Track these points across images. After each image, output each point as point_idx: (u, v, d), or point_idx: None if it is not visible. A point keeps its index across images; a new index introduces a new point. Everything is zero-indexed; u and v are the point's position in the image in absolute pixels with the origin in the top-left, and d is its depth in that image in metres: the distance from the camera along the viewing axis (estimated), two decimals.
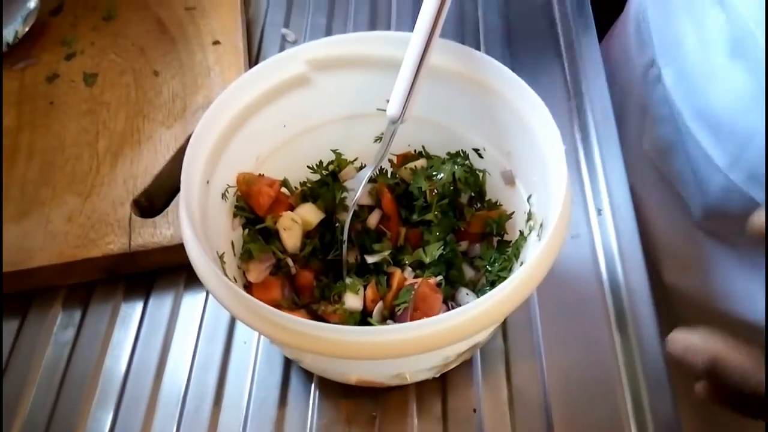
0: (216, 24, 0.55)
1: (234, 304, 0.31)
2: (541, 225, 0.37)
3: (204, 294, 0.46)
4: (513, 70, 0.38)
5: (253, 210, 0.41)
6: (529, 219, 0.40)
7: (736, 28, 0.46)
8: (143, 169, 0.46)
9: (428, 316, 0.35)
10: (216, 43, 0.53)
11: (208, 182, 0.37)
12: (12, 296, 0.45)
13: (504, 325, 0.43)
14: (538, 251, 0.31)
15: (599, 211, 0.47)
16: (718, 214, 0.50)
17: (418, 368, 0.35)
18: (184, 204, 0.34)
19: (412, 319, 0.36)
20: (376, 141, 0.44)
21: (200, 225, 0.35)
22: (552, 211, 0.33)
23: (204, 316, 0.44)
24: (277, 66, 0.40)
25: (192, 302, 0.45)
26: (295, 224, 0.41)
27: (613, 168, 0.49)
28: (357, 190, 0.41)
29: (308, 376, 0.41)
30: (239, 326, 0.44)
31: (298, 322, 0.30)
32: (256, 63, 0.50)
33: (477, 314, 0.30)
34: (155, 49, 0.53)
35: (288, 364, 0.42)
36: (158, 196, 0.46)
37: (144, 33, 0.54)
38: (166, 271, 0.46)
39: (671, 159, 0.51)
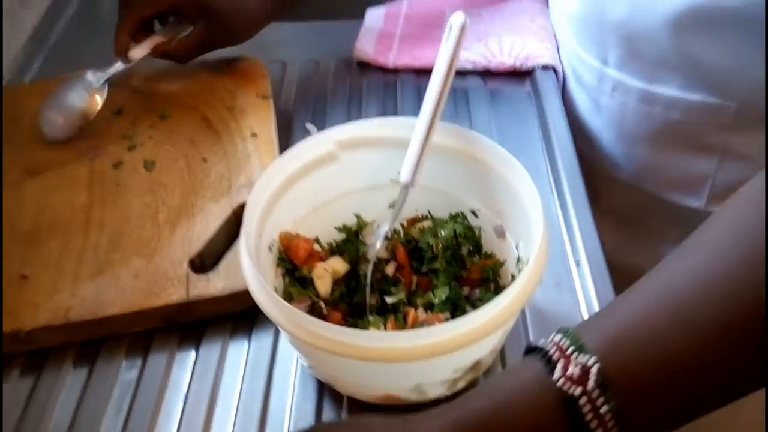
0: (253, 120, 0.66)
1: (279, 315, 0.40)
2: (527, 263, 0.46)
3: (247, 340, 0.53)
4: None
5: (292, 261, 0.50)
6: (518, 262, 0.49)
7: None
8: (197, 235, 0.56)
9: None
10: (254, 135, 0.64)
11: (260, 235, 0.47)
12: (83, 344, 0.53)
13: (503, 359, 0.51)
14: (528, 267, 0.40)
15: (578, 263, 0.56)
16: None
17: (434, 379, 0.43)
18: (245, 245, 0.43)
19: None
20: (389, 207, 0.53)
21: (255, 264, 0.44)
22: (534, 243, 0.42)
23: (248, 358, 0.52)
24: (311, 146, 0.51)
25: (238, 347, 0.53)
26: (327, 273, 0.50)
27: (586, 227, 0.58)
28: (376, 245, 0.51)
29: (338, 402, 0.49)
30: (278, 363, 0.51)
31: (334, 329, 0.38)
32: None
33: (486, 318, 0.38)
34: (203, 141, 0.64)
35: (320, 393, 0.49)
36: (209, 257, 0.55)
37: (193, 128, 0.66)
38: (215, 321, 0.54)
39: None
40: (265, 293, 0.41)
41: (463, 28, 0.48)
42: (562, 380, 0.32)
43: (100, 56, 0.78)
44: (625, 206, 0.76)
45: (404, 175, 0.49)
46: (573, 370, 0.32)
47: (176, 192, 0.60)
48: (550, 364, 0.33)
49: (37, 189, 0.61)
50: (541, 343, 0.35)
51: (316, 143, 0.51)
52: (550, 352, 0.33)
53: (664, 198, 0.71)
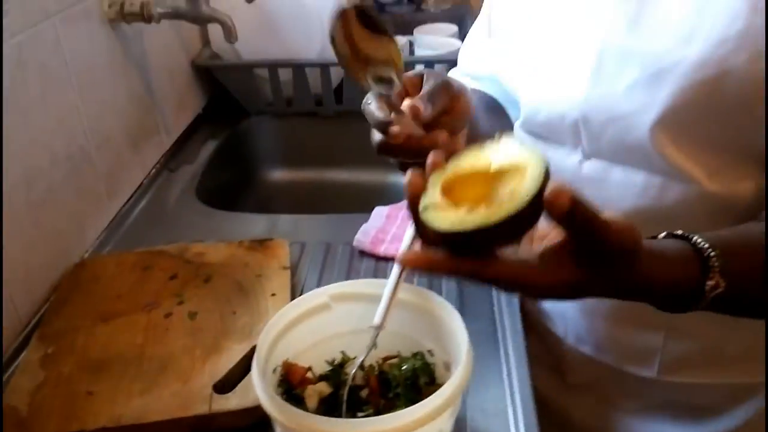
0: (274, 284, 0.86)
1: (277, 411, 0.56)
2: None
3: None
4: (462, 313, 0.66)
5: (290, 383, 0.67)
6: None
7: None
8: (222, 366, 0.74)
9: None
10: (273, 295, 0.84)
11: (267, 361, 0.64)
12: None
13: None
14: (456, 373, 0.57)
15: (512, 396, 0.72)
16: None
17: None
18: (256, 366, 0.61)
19: None
20: (367, 348, 0.71)
21: (263, 380, 0.61)
22: (462, 361, 0.59)
23: None
24: (310, 298, 0.70)
25: None
26: (315, 393, 0.66)
27: (521, 374, 0.74)
28: (352, 372, 0.67)
29: None
30: None
31: (319, 418, 0.54)
32: None
33: (427, 408, 0.55)
34: (235, 299, 0.84)
35: None
36: (230, 383, 0.72)
37: (229, 290, 0.86)
38: None
39: None
40: (269, 396, 0.58)
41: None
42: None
43: (165, 237, 1.02)
44: (589, 379, 0.88)
45: (377, 319, 0.67)
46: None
47: (211, 336, 0.79)
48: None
49: (106, 331, 0.81)
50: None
51: (315, 296, 0.70)
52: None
53: (622, 369, 0.83)
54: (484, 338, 0.78)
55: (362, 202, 1.14)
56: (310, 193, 1.45)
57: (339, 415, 0.66)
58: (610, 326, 0.82)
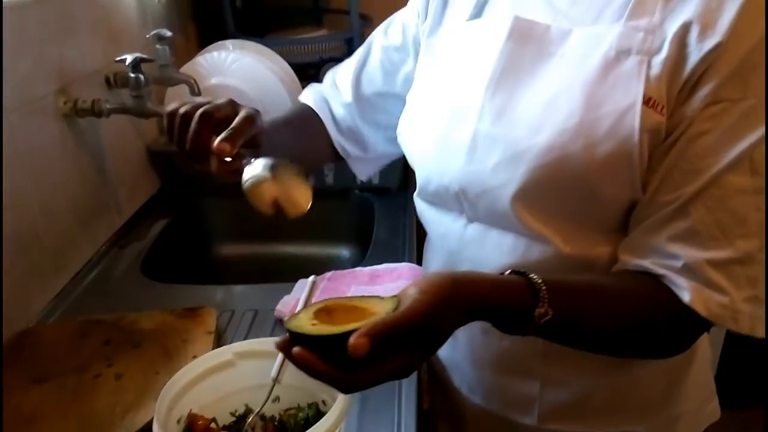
0: (197, 347, 0.95)
1: None
2: None
3: None
4: None
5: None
6: None
7: None
8: (139, 421, 0.81)
9: None
10: (194, 357, 0.92)
11: (171, 410, 0.72)
12: None
13: None
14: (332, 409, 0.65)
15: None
16: None
17: None
18: (156, 416, 0.69)
19: None
20: (265, 399, 0.79)
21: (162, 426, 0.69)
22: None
23: None
24: (215, 355, 0.78)
25: None
26: None
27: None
28: (248, 419, 0.75)
29: None
30: None
31: None
32: None
33: None
34: (159, 361, 0.92)
35: None
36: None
37: (155, 354, 0.94)
38: None
39: None
40: None
41: (313, 284, 0.79)
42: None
43: (107, 308, 1.10)
44: (484, 431, 0.97)
45: (273, 372, 0.76)
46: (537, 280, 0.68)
47: (132, 394, 0.87)
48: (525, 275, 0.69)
49: (39, 391, 0.88)
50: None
51: (220, 353, 0.79)
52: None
53: (508, 418, 0.91)
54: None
55: (305, 272, 1.22)
56: (257, 266, 1.55)
57: None
58: (495, 375, 0.91)
